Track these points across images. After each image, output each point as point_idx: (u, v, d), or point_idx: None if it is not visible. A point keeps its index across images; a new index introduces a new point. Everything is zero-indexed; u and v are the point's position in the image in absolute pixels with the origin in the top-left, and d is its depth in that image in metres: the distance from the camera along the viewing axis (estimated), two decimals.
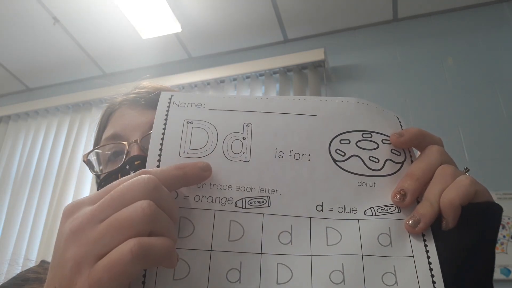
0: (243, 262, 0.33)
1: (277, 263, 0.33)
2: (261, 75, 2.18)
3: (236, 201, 0.35)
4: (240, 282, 0.32)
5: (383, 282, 0.32)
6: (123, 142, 0.53)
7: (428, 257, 0.33)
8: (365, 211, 0.36)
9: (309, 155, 0.38)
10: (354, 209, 0.36)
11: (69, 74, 2.59)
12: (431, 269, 0.32)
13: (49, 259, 0.57)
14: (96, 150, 0.58)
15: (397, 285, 0.32)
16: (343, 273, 0.32)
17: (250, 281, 0.32)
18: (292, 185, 0.36)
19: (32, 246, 2.11)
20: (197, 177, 0.34)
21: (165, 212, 0.29)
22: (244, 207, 0.35)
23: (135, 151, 0.52)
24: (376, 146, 0.39)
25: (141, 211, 0.28)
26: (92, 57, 2.45)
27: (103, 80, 2.53)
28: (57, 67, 2.53)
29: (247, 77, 2.20)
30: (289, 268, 0.33)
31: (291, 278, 0.32)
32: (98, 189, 0.55)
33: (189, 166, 0.34)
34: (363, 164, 0.38)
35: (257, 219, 0.34)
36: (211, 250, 0.33)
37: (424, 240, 0.34)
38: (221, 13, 2.12)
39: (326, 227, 0.35)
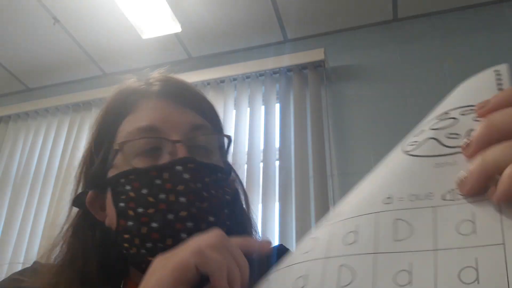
0: (310, 268, 0.33)
1: (340, 266, 0.30)
2: (261, 75, 2.17)
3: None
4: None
5: (460, 280, 0.25)
6: (165, 140, 0.51)
7: None
8: (443, 195, 0.29)
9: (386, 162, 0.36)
10: (430, 194, 0.30)
11: (69, 74, 2.59)
12: None
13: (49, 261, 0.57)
14: (128, 140, 0.51)
15: (478, 282, 0.24)
16: (410, 273, 0.27)
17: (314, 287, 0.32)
18: (361, 190, 0.35)
19: (32, 246, 2.11)
20: (256, 249, 0.42)
21: (234, 257, 0.38)
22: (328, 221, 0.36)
23: (183, 152, 0.49)
24: (453, 122, 0.33)
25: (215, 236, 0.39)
26: (92, 57, 2.45)
27: (103, 80, 2.53)
28: (57, 67, 2.53)
29: (247, 77, 2.20)
30: (351, 270, 0.30)
31: (352, 280, 0.29)
32: (113, 181, 0.51)
33: (252, 242, 0.43)
34: (439, 144, 0.32)
35: (326, 228, 0.35)
36: (289, 266, 0.36)
37: None
38: (221, 13, 2.12)
39: (396, 219, 0.30)
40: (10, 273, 0.56)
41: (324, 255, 0.32)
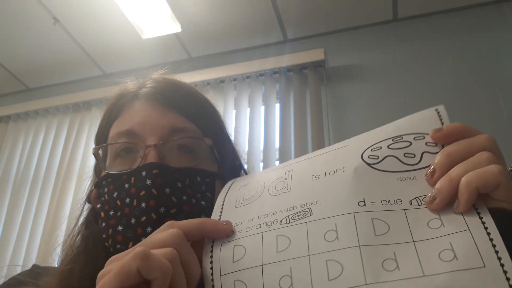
0: (293, 267, 0.35)
1: (326, 260, 0.34)
2: (261, 75, 2.18)
3: (281, 220, 0.39)
4: (292, 286, 0.34)
5: (440, 259, 0.31)
6: (140, 144, 0.51)
7: (486, 227, 0.32)
8: (410, 201, 0.36)
9: (343, 167, 0.40)
10: (399, 200, 0.36)
11: (69, 74, 2.59)
12: (491, 239, 0.31)
13: (49, 261, 0.57)
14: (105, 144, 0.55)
15: (457, 258, 0.31)
16: (396, 260, 0.32)
17: (302, 284, 0.33)
18: (330, 193, 0.38)
19: (32, 246, 2.11)
20: (214, 229, 0.40)
21: (183, 260, 0.35)
22: (288, 222, 0.38)
23: (152, 157, 0.50)
24: (408, 144, 0.39)
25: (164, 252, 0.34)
26: (92, 57, 2.45)
27: (103, 80, 2.53)
28: (57, 67, 2.53)
29: (247, 77, 2.20)
30: (339, 262, 0.33)
31: (342, 272, 0.33)
32: (98, 182, 0.54)
33: (209, 221, 0.40)
34: (399, 162, 0.38)
35: (302, 228, 0.37)
36: (262, 265, 0.36)
37: (479, 213, 0.33)
38: (221, 13, 2.12)
39: (372, 219, 0.35)
40: (9, 275, 0.56)
41: (307, 253, 0.35)
